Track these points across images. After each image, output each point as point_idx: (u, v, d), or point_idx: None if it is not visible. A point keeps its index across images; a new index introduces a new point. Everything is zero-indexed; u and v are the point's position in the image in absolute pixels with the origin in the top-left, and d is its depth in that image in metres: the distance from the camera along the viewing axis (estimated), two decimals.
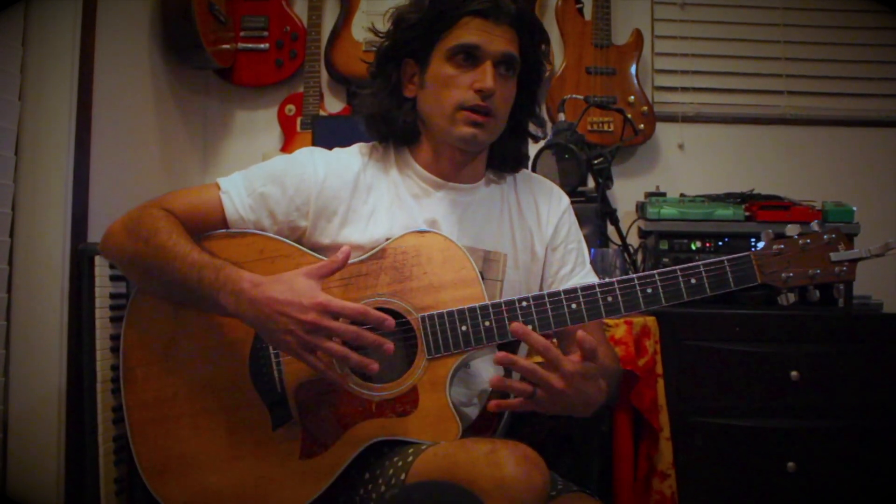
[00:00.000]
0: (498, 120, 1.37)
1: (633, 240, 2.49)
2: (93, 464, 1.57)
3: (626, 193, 2.76)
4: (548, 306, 1.26)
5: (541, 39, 1.42)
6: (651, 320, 2.06)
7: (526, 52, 1.38)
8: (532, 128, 1.49)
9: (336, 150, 1.44)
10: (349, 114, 2.77)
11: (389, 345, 1.18)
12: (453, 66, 1.33)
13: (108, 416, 1.58)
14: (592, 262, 2.05)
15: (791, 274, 1.27)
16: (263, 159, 1.45)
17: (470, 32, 1.32)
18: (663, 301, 1.27)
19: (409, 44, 1.38)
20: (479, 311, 1.26)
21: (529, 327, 1.23)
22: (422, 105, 1.39)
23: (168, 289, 1.30)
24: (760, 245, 1.30)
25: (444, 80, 1.34)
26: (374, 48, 1.44)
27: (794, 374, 2.09)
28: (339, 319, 1.17)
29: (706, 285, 1.27)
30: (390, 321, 1.18)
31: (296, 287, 1.18)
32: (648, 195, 2.48)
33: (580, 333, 1.16)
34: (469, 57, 1.33)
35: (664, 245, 2.29)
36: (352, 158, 1.42)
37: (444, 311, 1.27)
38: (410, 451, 1.21)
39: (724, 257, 1.28)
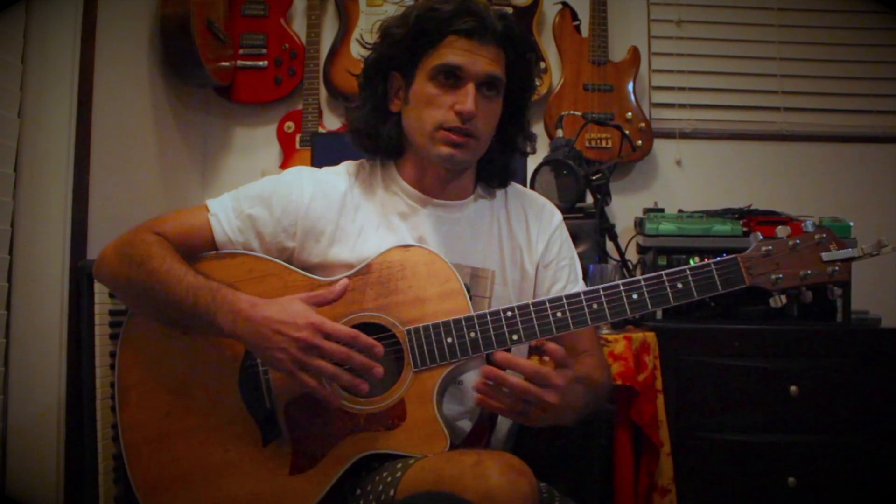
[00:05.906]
0: (480, 140, 1.35)
1: (632, 255, 2.50)
2: (92, 483, 1.56)
3: (624, 209, 2.76)
4: (533, 316, 1.26)
5: (530, 55, 1.40)
6: (650, 336, 2.06)
7: (513, 69, 1.37)
8: (522, 143, 1.46)
9: (324, 168, 1.44)
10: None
11: (379, 369, 1.19)
12: (436, 86, 1.32)
13: (107, 434, 1.58)
14: (591, 278, 2.07)
15: (781, 275, 1.25)
16: (262, 176, 1.45)
17: (454, 52, 1.31)
18: (650, 306, 1.26)
19: (394, 58, 1.37)
20: (464, 323, 1.26)
21: (513, 352, 1.24)
22: (405, 121, 1.39)
23: (162, 312, 1.31)
24: None
25: (427, 98, 1.33)
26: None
27: (793, 388, 2.09)
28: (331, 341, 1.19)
29: (693, 289, 1.25)
30: (379, 347, 1.20)
31: (291, 309, 1.20)
32: (647, 211, 2.49)
33: (549, 346, 1.19)
34: (452, 77, 1.31)
35: (663, 260, 2.29)
36: (339, 178, 1.42)
37: (430, 323, 1.27)
38: (399, 465, 1.21)
39: (711, 260, 1.26)
